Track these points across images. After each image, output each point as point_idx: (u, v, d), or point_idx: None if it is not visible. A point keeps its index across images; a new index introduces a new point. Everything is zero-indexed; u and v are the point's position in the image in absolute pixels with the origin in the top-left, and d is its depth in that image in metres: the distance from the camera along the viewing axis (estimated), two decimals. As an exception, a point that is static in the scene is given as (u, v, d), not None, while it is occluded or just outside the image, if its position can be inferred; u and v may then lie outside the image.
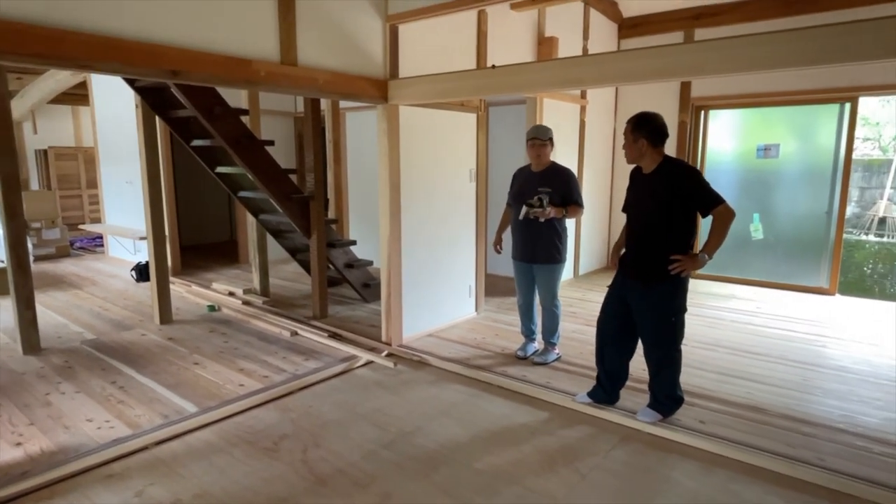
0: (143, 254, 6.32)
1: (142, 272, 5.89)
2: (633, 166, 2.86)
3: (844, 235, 5.52)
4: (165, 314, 4.53)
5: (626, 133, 2.72)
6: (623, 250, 2.94)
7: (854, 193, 11.57)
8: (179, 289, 5.60)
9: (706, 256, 2.62)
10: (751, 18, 5.32)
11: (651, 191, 2.70)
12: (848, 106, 5.24)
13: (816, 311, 4.94)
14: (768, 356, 3.80)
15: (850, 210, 11.29)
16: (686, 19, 5.76)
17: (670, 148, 6.16)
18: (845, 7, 4.84)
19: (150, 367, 3.60)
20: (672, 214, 2.65)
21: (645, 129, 2.66)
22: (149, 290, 4.81)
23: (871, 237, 10.96)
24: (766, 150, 5.71)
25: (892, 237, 10.76)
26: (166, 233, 4.59)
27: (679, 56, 2.55)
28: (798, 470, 2.40)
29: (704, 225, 2.72)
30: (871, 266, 9.34)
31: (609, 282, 2.99)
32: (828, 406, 3.06)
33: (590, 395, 3.05)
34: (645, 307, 2.77)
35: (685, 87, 5.96)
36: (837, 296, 5.47)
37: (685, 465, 2.49)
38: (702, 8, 5.64)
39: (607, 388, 3.00)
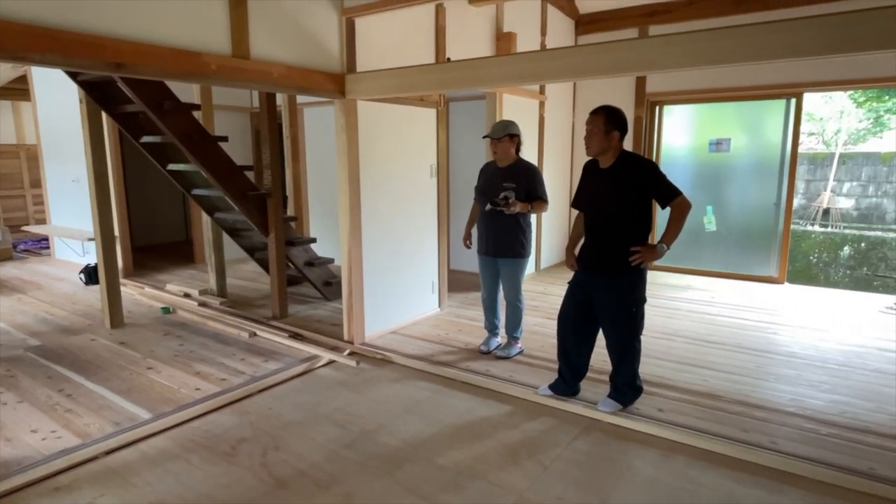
0: (93, 255, 6.06)
1: (91, 274, 5.65)
2: (586, 160, 2.89)
3: (792, 226, 5.75)
4: (116, 317, 4.35)
5: (597, 124, 2.69)
6: (579, 246, 2.97)
7: (800, 186, 12.09)
8: (131, 291, 5.40)
9: (664, 247, 2.67)
10: (702, 15, 5.46)
11: (612, 184, 2.73)
12: (793, 101, 5.44)
13: (767, 299, 5.12)
14: (723, 344, 3.92)
15: (797, 201, 11.78)
16: (640, 16, 5.86)
17: (627, 144, 6.28)
18: (791, 6, 5.01)
19: (101, 373, 3.45)
20: (632, 207, 2.69)
21: (618, 121, 2.69)
22: (99, 293, 4.61)
23: (817, 227, 11.47)
24: (717, 145, 5.88)
25: (836, 227, 11.28)
26: (116, 233, 4.41)
27: (633, 51, 2.58)
28: (752, 454, 2.48)
29: (660, 217, 2.77)
30: (816, 255, 9.76)
31: (569, 276, 3.02)
32: (779, 391, 3.17)
33: (551, 387, 3.08)
34: (606, 299, 2.81)
35: (640, 83, 6.08)
36: (786, 284, 5.68)
37: (645, 454, 2.53)
38: (655, 5, 5.75)
39: (569, 380, 3.04)
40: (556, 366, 3.09)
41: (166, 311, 4.78)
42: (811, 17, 2.10)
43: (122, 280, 5.11)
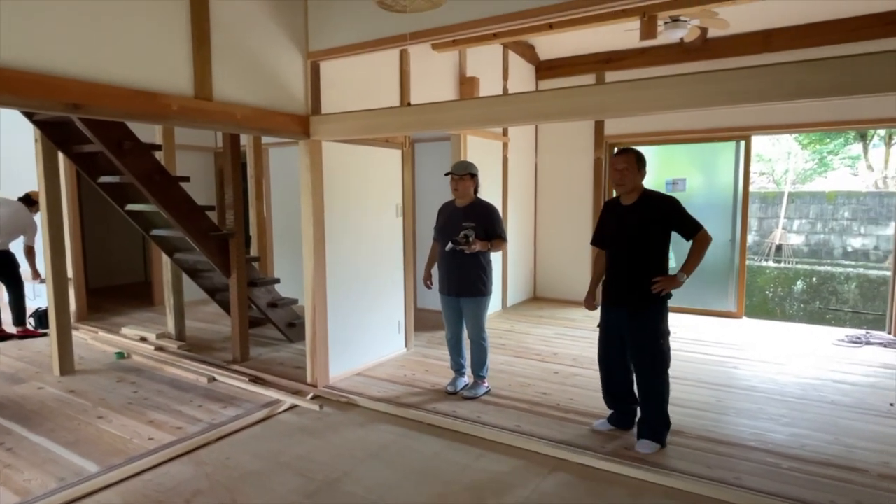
0: (44, 299, 5.81)
1: (41, 319, 5.40)
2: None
3: (747, 262, 5.94)
4: (66, 364, 4.15)
5: (628, 164, 2.85)
6: (600, 284, 3.06)
7: (753, 223, 12.58)
8: (84, 336, 5.17)
9: (684, 276, 2.80)
10: (654, 63, 5.74)
11: (638, 219, 2.86)
12: (742, 143, 5.72)
13: (727, 333, 5.24)
14: (685, 379, 3.96)
15: (751, 238, 12.25)
16: (596, 63, 6.13)
17: (587, 184, 6.48)
18: (736, 55, 5.33)
19: (46, 425, 3.26)
20: (657, 240, 2.83)
21: (644, 161, 2.89)
22: (49, 338, 4.40)
23: (771, 263, 11.90)
24: (674, 184, 6.10)
25: (789, 263, 11.72)
26: (69, 275, 4.25)
27: (590, 97, 2.69)
28: (717, 490, 2.49)
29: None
30: (772, 290, 10.09)
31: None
32: (741, 425, 3.21)
33: (609, 420, 3.14)
34: (637, 332, 2.88)
35: (599, 126, 6.30)
36: (744, 318, 5.84)
37: (613, 494, 2.51)
38: (610, 53, 6.03)
39: (623, 411, 3.07)
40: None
41: (121, 356, 4.59)
42: (751, 67, 2.24)
43: (74, 324, 4.90)
